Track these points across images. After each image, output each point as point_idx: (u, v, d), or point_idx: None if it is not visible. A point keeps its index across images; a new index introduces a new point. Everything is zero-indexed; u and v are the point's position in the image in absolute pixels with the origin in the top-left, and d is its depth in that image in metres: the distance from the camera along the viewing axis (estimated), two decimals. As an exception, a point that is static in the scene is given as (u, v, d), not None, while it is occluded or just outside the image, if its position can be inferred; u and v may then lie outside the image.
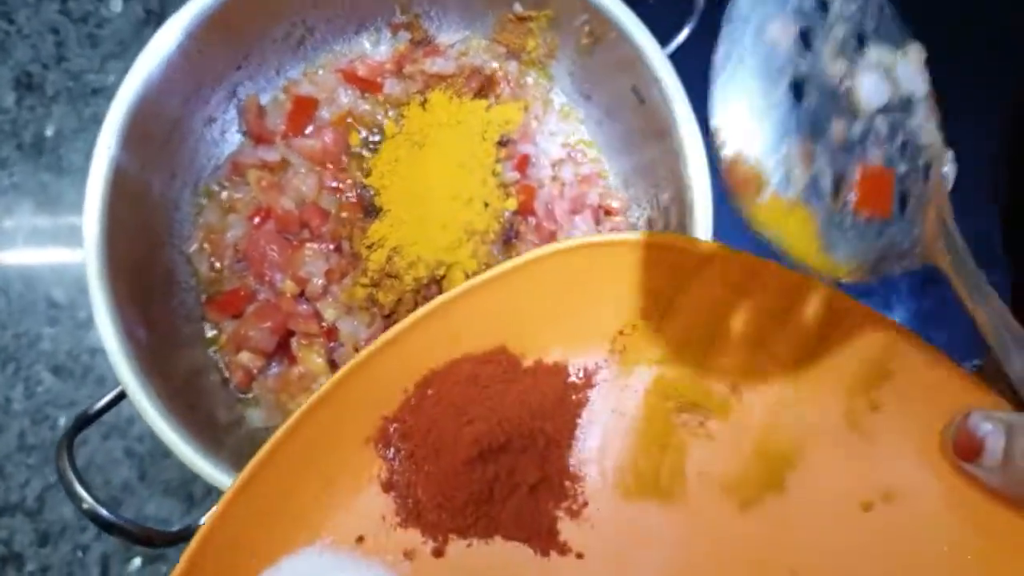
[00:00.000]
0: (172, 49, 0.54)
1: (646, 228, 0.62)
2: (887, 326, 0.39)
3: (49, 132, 0.80)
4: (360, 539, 0.40)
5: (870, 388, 0.39)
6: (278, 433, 0.39)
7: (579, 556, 0.39)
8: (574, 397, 0.42)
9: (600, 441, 0.41)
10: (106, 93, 0.81)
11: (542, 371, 0.42)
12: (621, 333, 0.43)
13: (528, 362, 0.43)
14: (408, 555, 0.39)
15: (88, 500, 0.49)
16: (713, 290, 0.41)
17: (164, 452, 0.72)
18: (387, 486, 0.41)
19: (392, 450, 0.41)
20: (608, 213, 0.63)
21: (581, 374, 0.43)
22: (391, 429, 0.41)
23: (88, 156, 0.79)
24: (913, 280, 0.71)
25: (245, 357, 0.57)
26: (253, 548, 0.38)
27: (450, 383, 0.41)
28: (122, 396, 0.52)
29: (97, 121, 0.81)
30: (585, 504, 0.41)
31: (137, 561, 0.71)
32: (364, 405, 0.41)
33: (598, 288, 0.42)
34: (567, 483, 0.41)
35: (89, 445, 0.72)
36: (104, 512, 0.49)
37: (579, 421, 0.42)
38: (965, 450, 0.32)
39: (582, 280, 0.42)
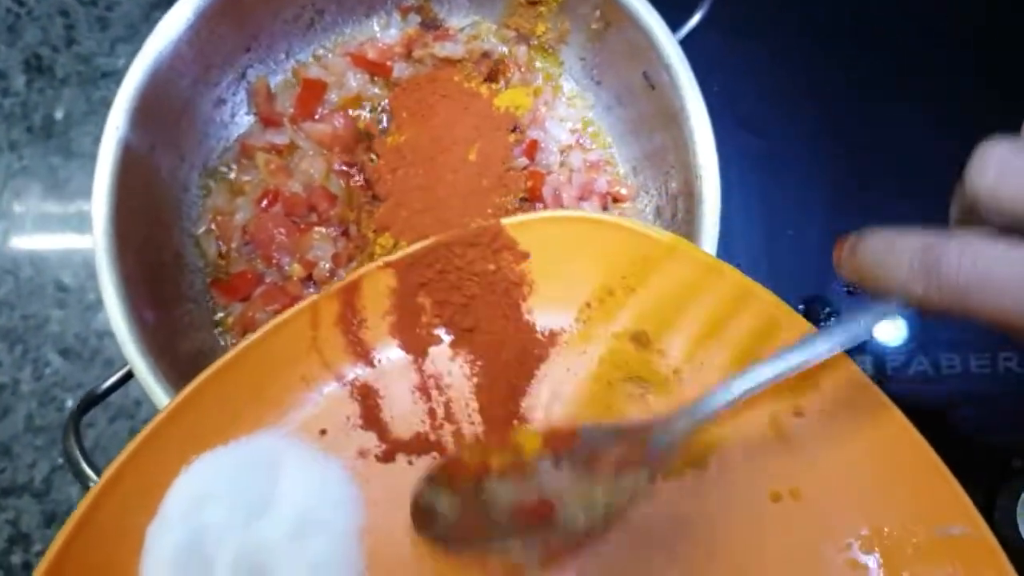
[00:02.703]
0: (183, 29, 0.54)
1: (654, 216, 0.62)
2: None
3: (59, 115, 0.80)
4: (323, 432, 0.44)
5: (797, 395, 0.43)
6: (273, 321, 0.43)
7: None
8: (536, 352, 0.46)
9: (550, 393, 0.46)
10: (116, 76, 0.81)
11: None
12: (588, 305, 0.47)
13: None
14: (362, 454, 0.44)
15: (94, 478, 0.49)
16: (672, 281, 0.45)
17: (170, 435, 0.73)
18: (356, 394, 0.45)
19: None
20: (616, 200, 0.63)
21: (547, 333, 0.47)
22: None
23: (98, 140, 0.80)
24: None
25: (252, 339, 0.57)
26: (223, 422, 0.42)
27: None
28: (128, 376, 0.52)
29: (107, 104, 0.81)
30: None
31: (142, 543, 0.71)
32: None
33: (576, 260, 0.47)
34: (515, 423, 0.45)
35: (96, 427, 0.72)
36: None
37: (536, 373, 0.46)
38: (836, 256, 0.37)
39: (565, 249, 0.47)
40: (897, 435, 0.41)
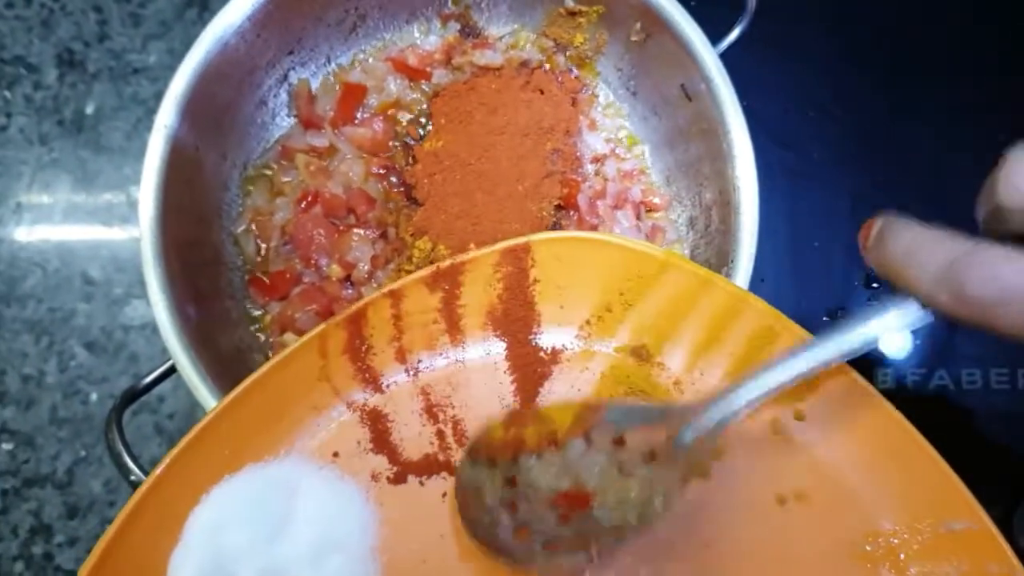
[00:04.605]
0: (232, 31, 0.55)
1: (687, 226, 0.63)
2: None
3: (89, 109, 0.81)
4: (335, 455, 0.45)
5: (797, 400, 0.44)
6: (283, 352, 0.44)
7: None
8: (539, 370, 0.47)
9: None
10: (147, 73, 0.82)
11: None
12: (588, 322, 0.48)
13: None
14: (374, 477, 0.45)
15: (136, 472, 0.50)
16: (668, 295, 0.46)
17: (193, 430, 0.74)
18: (366, 419, 0.46)
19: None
20: (650, 209, 0.63)
21: (549, 351, 0.48)
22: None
23: (127, 135, 0.81)
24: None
25: (290, 339, 0.58)
26: (239, 450, 0.43)
27: None
28: (170, 372, 0.53)
29: (137, 100, 0.82)
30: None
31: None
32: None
33: (573, 278, 0.48)
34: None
35: (120, 421, 0.73)
36: (151, 484, 0.49)
37: (540, 390, 0.47)
38: (862, 238, 0.38)
39: (562, 269, 0.48)
40: (898, 435, 0.42)
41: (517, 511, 0.42)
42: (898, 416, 0.42)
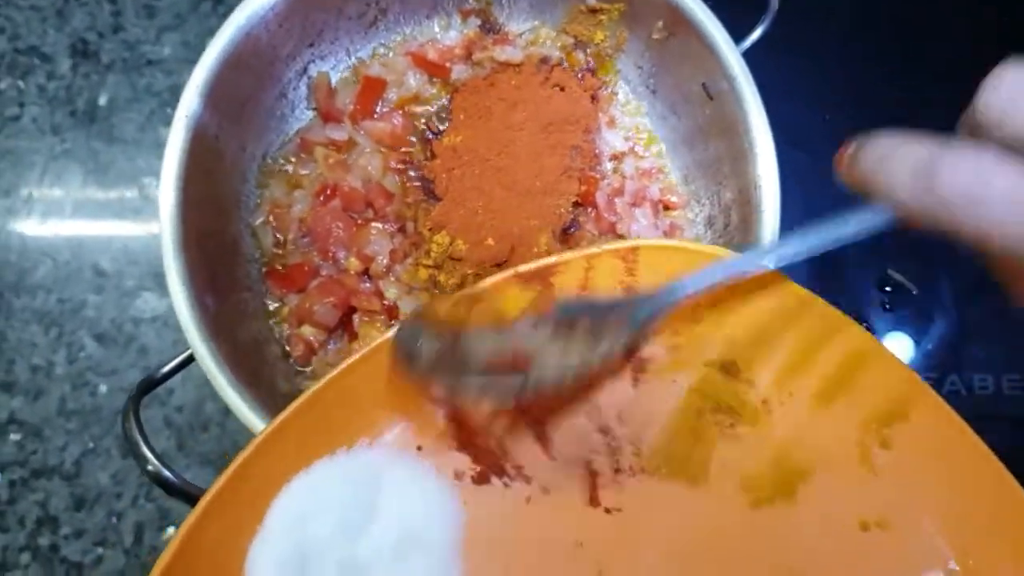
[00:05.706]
0: (255, 20, 0.55)
1: (705, 225, 0.63)
2: (912, 376, 0.43)
3: (102, 101, 0.81)
4: (419, 448, 0.44)
5: (884, 426, 0.43)
6: (370, 345, 0.43)
7: (607, 511, 0.44)
8: (626, 380, 0.46)
9: (642, 420, 0.45)
10: (161, 65, 0.82)
11: None
12: (677, 333, 0.46)
13: None
14: (457, 475, 0.44)
15: (153, 461, 0.49)
16: (761, 312, 0.45)
17: (202, 424, 0.74)
18: (450, 415, 0.45)
19: None
20: (668, 208, 0.63)
21: (638, 361, 0.46)
22: None
23: (141, 127, 0.81)
24: (957, 291, 0.72)
25: (307, 331, 0.58)
26: (322, 440, 0.42)
27: None
28: (187, 362, 0.53)
29: (151, 92, 0.82)
30: (618, 471, 0.45)
31: (171, 530, 0.72)
32: None
33: None
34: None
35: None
36: (168, 474, 0.49)
37: (625, 401, 0.45)
38: (838, 160, 0.37)
39: (654, 277, 0.46)
40: (983, 468, 0.41)
41: (454, 368, 0.41)
42: (984, 449, 0.41)
